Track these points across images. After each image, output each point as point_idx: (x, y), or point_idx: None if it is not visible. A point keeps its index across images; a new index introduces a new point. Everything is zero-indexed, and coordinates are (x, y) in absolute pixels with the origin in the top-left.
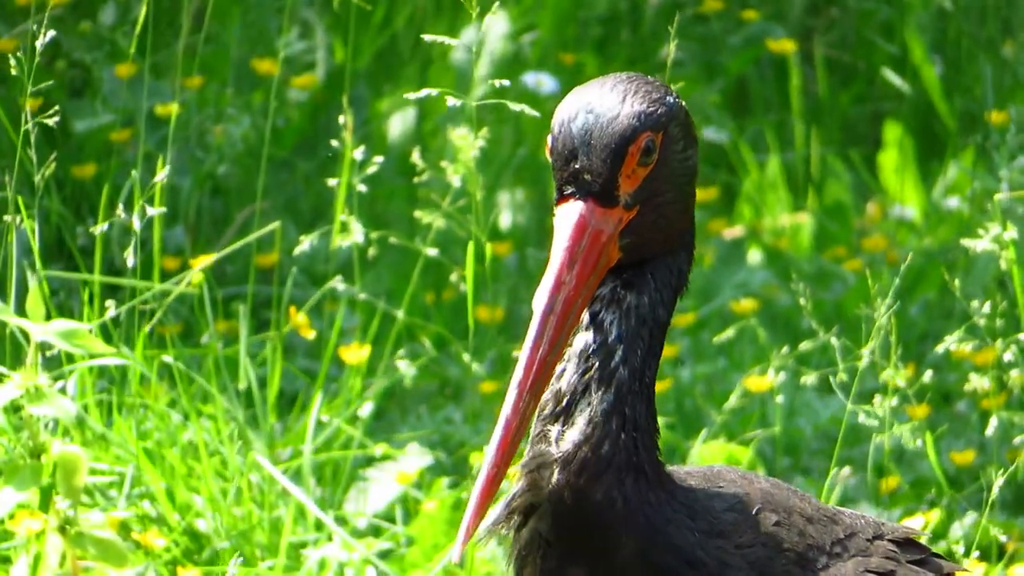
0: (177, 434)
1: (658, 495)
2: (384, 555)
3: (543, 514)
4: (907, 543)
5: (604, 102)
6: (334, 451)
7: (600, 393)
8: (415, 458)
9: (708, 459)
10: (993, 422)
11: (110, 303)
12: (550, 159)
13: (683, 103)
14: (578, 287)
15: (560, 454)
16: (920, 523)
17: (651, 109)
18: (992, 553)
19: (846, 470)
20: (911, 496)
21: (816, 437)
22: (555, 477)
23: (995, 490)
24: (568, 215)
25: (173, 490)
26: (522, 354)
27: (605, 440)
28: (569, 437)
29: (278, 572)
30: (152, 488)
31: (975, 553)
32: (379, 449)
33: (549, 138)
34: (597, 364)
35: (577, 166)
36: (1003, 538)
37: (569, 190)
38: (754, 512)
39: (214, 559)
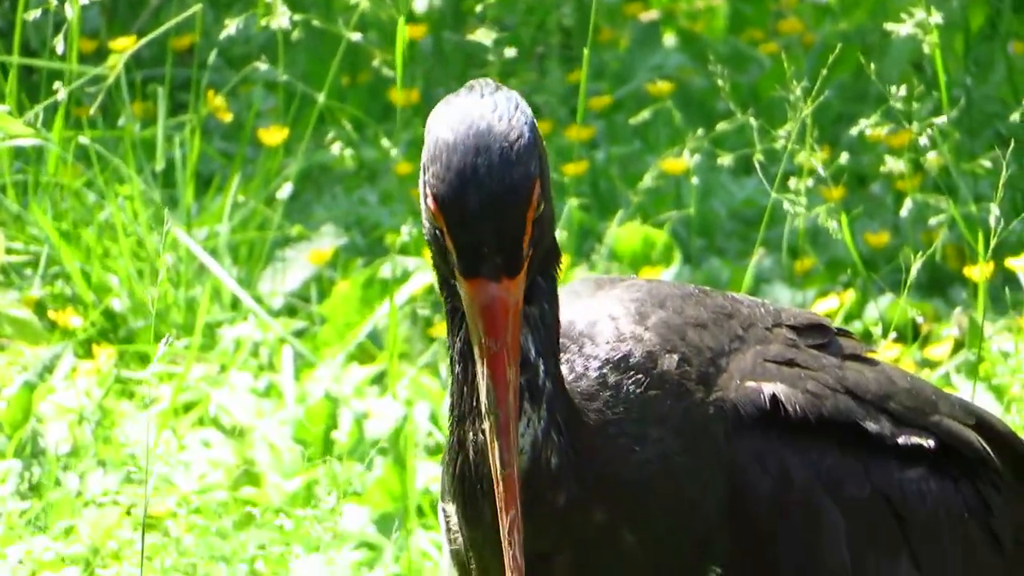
0: (94, 214)
1: (589, 449)
2: (299, 334)
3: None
4: (809, 328)
5: (492, 171)
6: (250, 231)
7: (536, 413)
8: (330, 238)
9: (624, 240)
10: (908, 204)
11: (28, 87)
12: (435, 221)
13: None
14: (514, 353)
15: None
16: (834, 304)
17: (531, 164)
18: (907, 334)
19: (761, 252)
20: (826, 277)
21: (731, 219)
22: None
23: (911, 272)
24: (486, 302)
25: (89, 270)
26: (498, 439)
27: (552, 454)
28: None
29: (193, 351)
30: (68, 268)
31: (891, 335)
32: (295, 230)
33: (431, 194)
34: (525, 384)
35: (485, 251)
36: (918, 319)
37: (480, 270)
38: (656, 370)
39: (130, 338)
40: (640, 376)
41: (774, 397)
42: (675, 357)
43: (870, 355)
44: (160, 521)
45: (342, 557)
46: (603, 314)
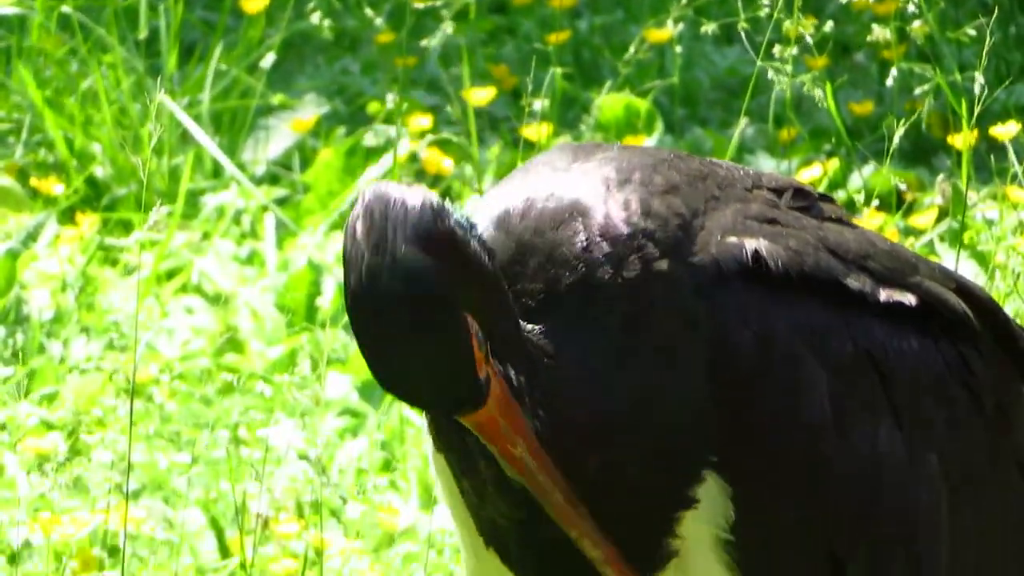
0: (77, 83)
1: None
2: (281, 202)
3: None
4: (790, 191)
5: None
6: (232, 100)
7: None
8: (312, 107)
9: (608, 110)
10: (892, 73)
11: None
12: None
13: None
14: (518, 435)
15: None
16: (818, 173)
17: (446, 289)
18: (891, 203)
19: (745, 121)
20: (810, 146)
21: (714, 88)
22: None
23: (895, 140)
24: (478, 426)
25: (72, 137)
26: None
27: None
28: None
29: (176, 218)
30: (51, 136)
31: (874, 203)
32: (277, 99)
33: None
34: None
35: (445, 401)
36: (902, 187)
37: (458, 413)
38: (626, 258)
39: (113, 206)
40: (596, 288)
41: (756, 252)
42: (636, 257)
43: (851, 221)
44: (144, 388)
45: (325, 424)
46: (568, 199)
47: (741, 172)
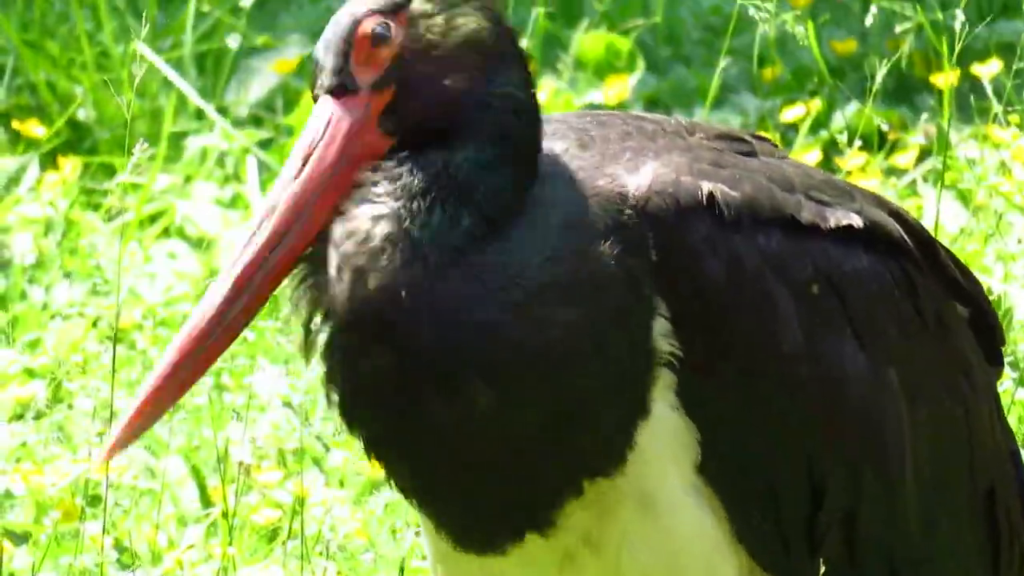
0: (58, 24)
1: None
2: (264, 144)
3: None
4: (728, 137)
5: (344, 8)
6: (215, 42)
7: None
8: (295, 47)
9: (588, 48)
10: (873, 10)
11: None
12: None
13: None
14: (312, 183)
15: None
16: (801, 112)
17: (369, 12)
18: (873, 142)
19: (727, 60)
20: (793, 85)
21: (697, 27)
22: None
23: (877, 79)
24: (311, 115)
25: (54, 80)
26: (237, 245)
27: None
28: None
29: (159, 161)
30: (33, 78)
31: (857, 142)
32: (260, 40)
33: None
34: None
35: (317, 70)
36: (884, 127)
37: (315, 94)
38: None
39: (95, 149)
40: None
41: (711, 194)
42: (575, 162)
43: (784, 154)
44: (127, 334)
45: (308, 371)
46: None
47: (674, 123)
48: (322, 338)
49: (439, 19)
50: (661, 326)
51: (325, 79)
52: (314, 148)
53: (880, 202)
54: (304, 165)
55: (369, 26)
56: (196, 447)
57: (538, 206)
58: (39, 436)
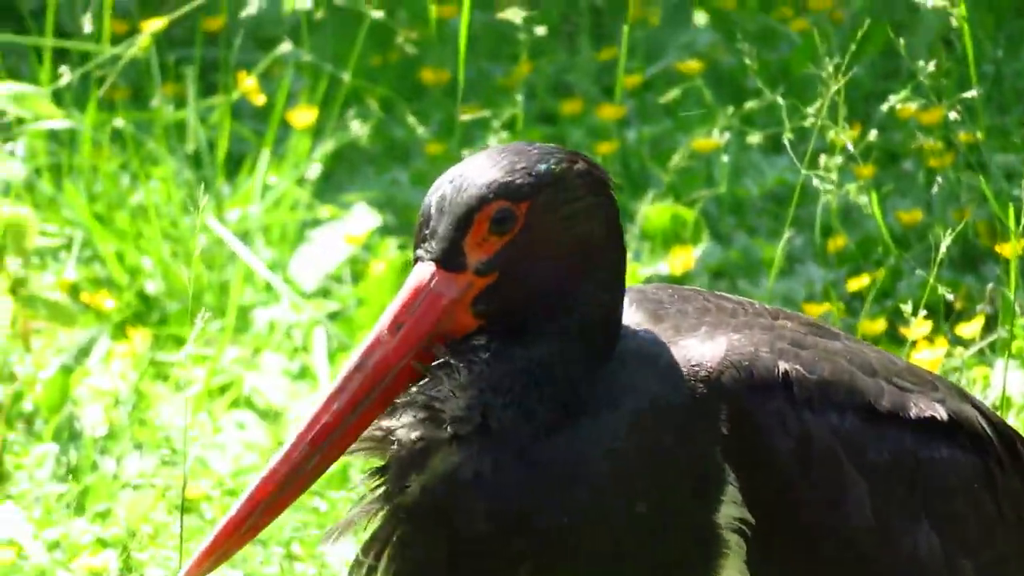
0: (126, 197)
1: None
2: (333, 315)
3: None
4: (809, 324)
5: (467, 173)
6: (282, 212)
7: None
8: (362, 219)
9: (654, 219)
10: (939, 181)
11: (61, 68)
12: None
13: (577, 168)
14: (400, 350)
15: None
16: (866, 282)
17: (508, 179)
18: (940, 312)
19: (792, 230)
20: (858, 255)
21: (762, 197)
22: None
23: (942, 249)
24: (411, 277)
25: (123, 252)
26: (312, 405)
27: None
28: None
29: (227, 333)
30: (101, 251)
31: (922, 312)
32: (326, 210)
33: None
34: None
35: (427, 231)
36: (950, 296)
37: (418, 254)
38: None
39: (164, 320)
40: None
41: (787, 372)
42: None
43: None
44: (196, 504)
45: None
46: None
47: (758, 306)
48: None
49: (559, 215)
50: (731, 494)
51: (434, 245)
52: (409, 315)
53: (962, 394)
54: (398, 330)
55: (494, 211)
56: None
57: (611, 388)
58: None
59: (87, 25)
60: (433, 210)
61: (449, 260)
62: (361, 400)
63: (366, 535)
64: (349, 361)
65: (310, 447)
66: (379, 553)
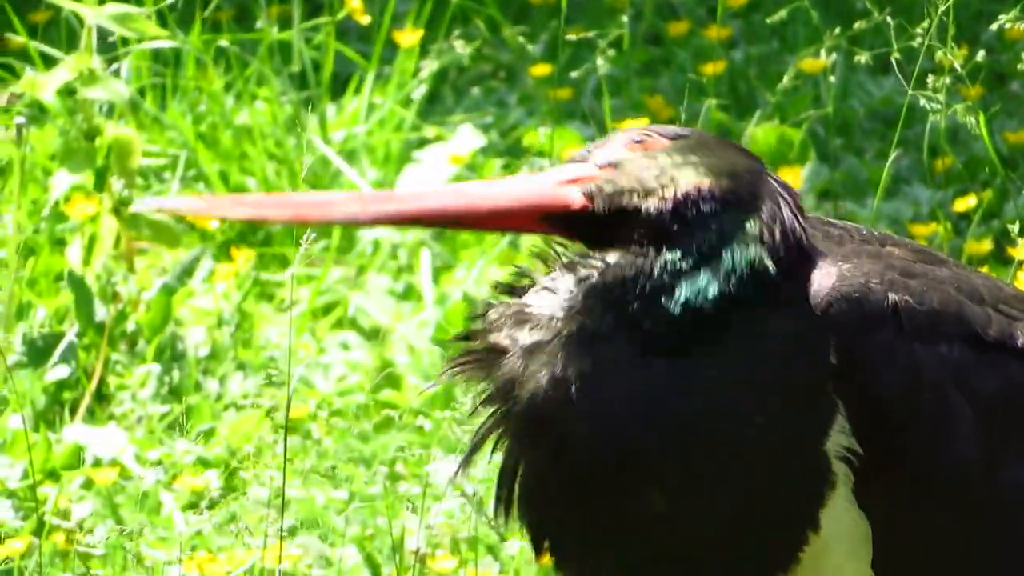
0: (231, 117)
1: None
2: (437, 236)
3: None
4: (917, 250)
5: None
6: (388, 133)
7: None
8: (467, 139)
9: (762, 140)
10: None
11: None
12: None
13: None
14: (519, 194)
15: None
16: (973, 203)
17: None
18: None
19: (899, 151)
20: (964, 176)
21: (869, 118)
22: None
23: None
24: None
25: (227, 172)
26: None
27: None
28: None
29: (332, 253)
30: (206, 171)
31: None
32: (431, 131)
33: None
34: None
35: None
36: None
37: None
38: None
39: (268, 241)
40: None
41: (895, 303)
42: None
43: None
44: (300, 424)
45: (483, 459)
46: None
47: (865, 231)
48: (488, 425)
49: (707, 162)
50: (840, 424)
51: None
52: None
53: None
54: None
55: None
56: (371, 536)
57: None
58: (213, 525)
59: None
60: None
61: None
62: (463, 206)
63: (497, 469)
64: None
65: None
66: (510, 483)
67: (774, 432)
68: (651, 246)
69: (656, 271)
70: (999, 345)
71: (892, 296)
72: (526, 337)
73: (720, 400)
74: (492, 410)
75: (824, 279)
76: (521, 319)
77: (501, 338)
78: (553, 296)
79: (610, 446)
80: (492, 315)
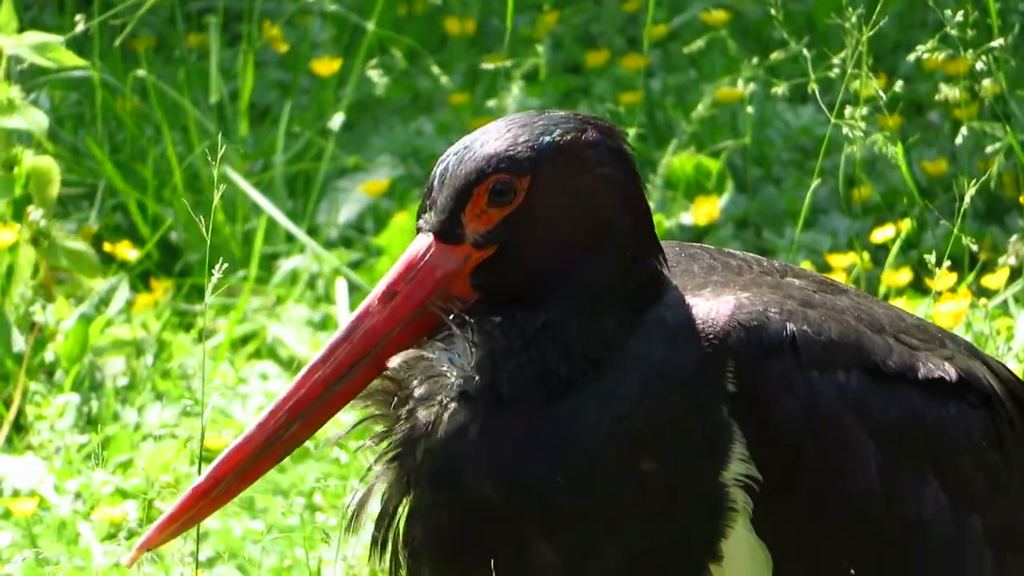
0: (149, 148)
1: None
2: (355, 265)
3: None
4: (819, 281)
5: (472, 145)
6: (306, 162)
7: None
8: (386, 169)
9: (678, 169)
10: (963, 131)
11: (81, 17)
12: None
13: (587, 138)
14: (391, 320)
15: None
16: (891, 233)
17: (510, 152)
18: (964, 263)
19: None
20: (883, 206)
21: (787, 147)
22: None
23: (967, 199)
24: (409, 248)
25: (145, 203)
26: (300, 372)
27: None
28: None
29: (250, 283)
30: (124, 201)
31: (946, 263)
32: (350, 161)
33: None
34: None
35: (428, 202)
36: (974, 247)
37: (419, 224)
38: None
39: (186, 271)
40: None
41: (793, 333)
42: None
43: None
44: (217, 454)
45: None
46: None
47: (766, 263)
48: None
49: (564, 188)
50: (738, 451)
51: (433, 217)
52: (404, 284)
53: (972, 351)
54: (390, 300)
55: (492, 184)
56: (288, 567)
57: (620, 351)
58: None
59: None
60: (436, 182)
61: (447, 232)
62: (346, 369)
63: (378, 510)
64: (337, 331)
65: (288, 416)
66: (389, 525)
67: (664, 466)
68: (541, 300)
69: (544, 324)
70: (898, 374)
71: (791, 326)
72: (423, 387)
73: (595, 443)
74: (385, 454)
75: (721, 307)
76: (422, 369)
77: (403, 381)
78: (447, 350)
79: (503, 503)
80: (394, 361)
